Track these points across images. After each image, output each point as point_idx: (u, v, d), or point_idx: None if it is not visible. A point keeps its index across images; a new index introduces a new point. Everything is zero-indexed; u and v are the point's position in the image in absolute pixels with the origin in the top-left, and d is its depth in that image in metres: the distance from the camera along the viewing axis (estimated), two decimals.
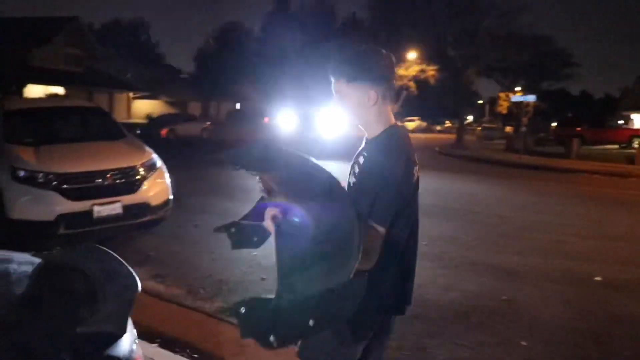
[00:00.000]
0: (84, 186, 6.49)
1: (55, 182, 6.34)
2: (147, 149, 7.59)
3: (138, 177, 6.89)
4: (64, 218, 6.28)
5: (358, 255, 1.46)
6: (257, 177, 1.90)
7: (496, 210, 10.16)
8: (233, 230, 2.05)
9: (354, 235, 1.49)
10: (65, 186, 6.37)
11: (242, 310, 1.53)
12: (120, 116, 41.27)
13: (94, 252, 1.99)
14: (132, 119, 41.57)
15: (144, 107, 45.46)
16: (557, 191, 13.43)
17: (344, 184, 1.89)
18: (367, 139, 2.06)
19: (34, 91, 28.27)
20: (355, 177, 1.97)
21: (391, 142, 1.95)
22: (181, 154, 17.83)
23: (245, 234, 2.02)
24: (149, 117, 36.71)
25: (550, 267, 6.44)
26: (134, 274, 1.82)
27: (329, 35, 41.11)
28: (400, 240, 1.95)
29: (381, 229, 1.82)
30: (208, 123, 32.32)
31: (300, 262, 1.55)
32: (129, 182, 6.78)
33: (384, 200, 1.82)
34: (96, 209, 6.41)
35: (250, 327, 1.54)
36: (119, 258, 1.90)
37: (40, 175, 6.36)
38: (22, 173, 6.37)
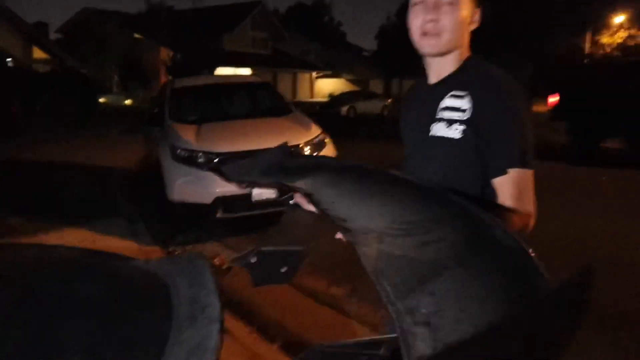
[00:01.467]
0: None
1: (213, 163, 5.92)
2: (314, 126, 6.87)
3: None
4: (221, 201, 5.83)
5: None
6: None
7: None
8: (254, 259, 1.58)
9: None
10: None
11: None
12: (303, 95, 42.93)
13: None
14: (314, 97, 42.95)
15: (326, 86, 46.37)
16: None
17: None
18: (437, 82, 1.67)
19: (224, 73, 29.97)
20: (459, 128, 1.55)
21: (492, 67, 1.61)
22: (358, 131, 17.16)
23: (269, 263, 1.58)
24: (330, 96, 37.15)
25: None
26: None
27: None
28: None
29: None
30: (389, 100, 31.51)
31: (408, 276, 1.08)
32: None
33: (528, 137, 1.52)
34: (255, 191, 5.83)
35: None
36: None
37: (200, 155, 5.99)
38: (181, 152, 6.07)
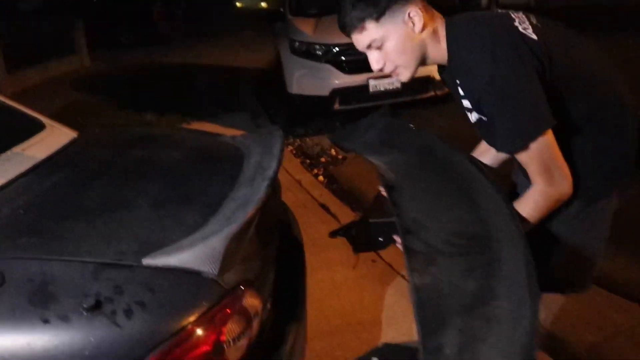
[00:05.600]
0: (360, 58, 5.82)
1: (330, 55, 5.90)
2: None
3: None
4: (339, 93, 5.85)
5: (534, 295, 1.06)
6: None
7: None
8: (353, 232, 1.86)
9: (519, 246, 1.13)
10: (341, 58, 5.84)
11: None
12: None
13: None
14: None
15: None
16: None
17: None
18: (445, 70, 1.54)
19: None
20: (474, 116, 1.47)
21: (472, 37, 1.40)
22: None
23: (367, 234, 1.72)
24: None
25: None
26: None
27: None
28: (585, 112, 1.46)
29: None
30: None
31: (446, 306, 1.12)
32: None
33: (525, 103, 1.34)
34: (372, 82, 5.77)
35: None
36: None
37: (317, 47, 5.98)
38: (299, 45, 6.09)
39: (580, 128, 1.47)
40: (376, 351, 1.18)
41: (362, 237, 1.82)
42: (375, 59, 1.49)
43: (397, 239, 1.51)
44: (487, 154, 1.81)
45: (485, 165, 1.53)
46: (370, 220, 1.67)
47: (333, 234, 1.90)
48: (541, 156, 1.37)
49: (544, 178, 1.39)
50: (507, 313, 1.08)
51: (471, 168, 1.43)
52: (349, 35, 1.48)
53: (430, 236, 1.30)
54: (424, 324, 1.11)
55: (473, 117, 1.49)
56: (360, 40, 1.46)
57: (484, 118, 1.43)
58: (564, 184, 1.40)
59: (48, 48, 10.14)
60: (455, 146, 1.57)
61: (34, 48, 9.54)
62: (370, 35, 1.44)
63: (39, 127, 2.11)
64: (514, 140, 1.38)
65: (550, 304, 2.79)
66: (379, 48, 1.46)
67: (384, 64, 1.49)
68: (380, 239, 1.64)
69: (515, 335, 1.02)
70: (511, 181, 1.77)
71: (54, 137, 2.08)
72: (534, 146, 1.36)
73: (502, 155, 1.77)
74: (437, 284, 1.19)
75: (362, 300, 2.82)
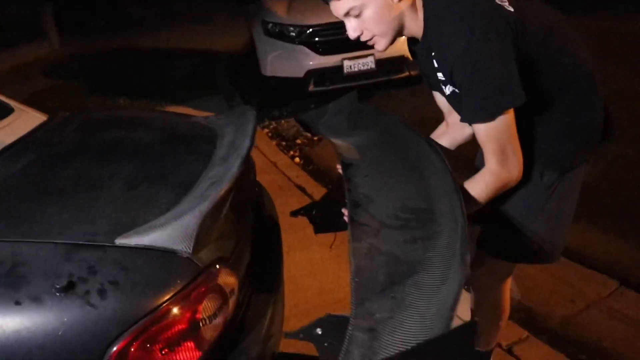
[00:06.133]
0: (334, 39, 5.80)
1: (304, 36, 5.86)
2: None
3: None
4: (313, 74, 5.83)
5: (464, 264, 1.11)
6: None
7: None
8: (314, 212, 1.90)
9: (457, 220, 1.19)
10: (315, 39, 5.81)
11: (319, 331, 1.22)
12: None
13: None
14: None
15: None
16: None
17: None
18: (420, 43, 1.55)
19: None
20: (448, 88, 1.50)
21: (451, 9, 1.40)
22: None
23: (327, 215, 1.77)
24: None
25: None
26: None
27: None
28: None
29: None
30: None
31: (383, 275, 1.18)
32: None
33: (498, 78, 1.36)
34: (347, 63, 5.75)
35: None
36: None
37: (291, 28, 5.94)
38: (272, 27, 6.03)
39: (552, 100, 1.50)
40: (320, 321, 1.21)
41: (322, 217, 1.84)
42: (352, 27, 1.48)
43: (345, 212, 1.53)
44: (444, 137, 1.83)
45: (440, 146, 1.55)
46: (322, 201, 1.69)
47: (294, 213, 1.91)
48: (500, 135, 1.39)
49: (498, 158, 1.41)
50: (437, 283, 1.13)
51: (426, 148, 1.46)
52: (327, 1, 1.46)
53: (378, 210, 1.35)
54: (358, 290, 1.15)
55: (447, 89, 1.50)
56: (338, 7, 1.44)
57: (456, 90, 1.45)
58: (515, 170, 1.43)
59: (16, 33, 9.87)
60: (414, 128, 1.61)
61: (1, 33, 9.29)
62: (349, 3, 1.42)
63: (6, 110, 2.07)
64: (478, 112, 1.39)
65: (524, 278, 2.85)
66: (357, 16, 1.45)
67: (362, 33, 1.49)
68: (341, 219, 1.64)
69: (440, 303, 1.07)
70: (474, 166, 1.79)
71: (23, 120, 2.04)
72: (496, 123, 1.37)
73: (459, 139, 1.80)
74: (376, 255, 1.24)
75: (339, 279, 2.84)
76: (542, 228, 1.66)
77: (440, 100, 1.72)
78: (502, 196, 1.49)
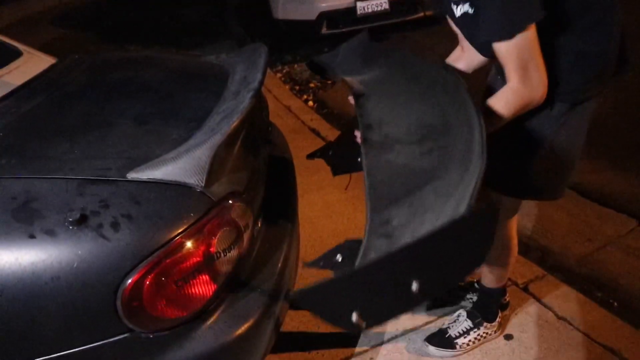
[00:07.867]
0: None
1: None
2: None
3: None
4: (326, 16, 5.71)
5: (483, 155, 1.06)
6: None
7: None
8: (331, 153, 1.88)
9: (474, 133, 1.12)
10: None
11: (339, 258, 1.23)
12: None
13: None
14: None
15: None
16: None
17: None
18: None
19: None
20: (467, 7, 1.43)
21: None
22: None
23: (345, 156, 1.72)
24: None
25: None
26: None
27: None
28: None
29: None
30: None
31: (399, 186, 1.18)
32: None
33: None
34: (359, 4, 5.64)
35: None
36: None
37: None
38: None
39: (569, 26, 1.44)
40: (340, 248, 1.21)
41: (340, 158, 1.80)
42: None
43: (358, 133, 1.51)
44: (460, 61, 1.78)
45: (456, 69, 1.50)
46: (337, 142, 1.69)
47: (311, 156, 1.89)
48: (521, 52, 1.34)
49: (519, 75, 1.36)
50: (454, 184, 1.10)
51: (441, 72, 1.42)
52: None
53: (391, 129, 1.35)
54: (374, 202, 1.15)
55: (459, 10, 1.44)
56: None
57: (470, 11, 1.40)
58: (539, 88, 1.38)
59: None
60: (429, 58, 1.57)
61: None
62: None
63: (15, 54, 2.05)
64: (499, 29, 1.35)
65: (541, 217, 2.82)
66: None
67: None
68: (359, 159, 1.64)
69: (458, 200, 1.04)
70: (487, 84, 1.74)
71: (32, 63, 2.01)
72: (517, 40, 1.33)
73: (475, 62, 1.74)
74: (392, 169, 1.24)
75: (355, 220, 2.84)
76: (549, 162, 1.62)
77: None
78: (508, 128, 1.45)
